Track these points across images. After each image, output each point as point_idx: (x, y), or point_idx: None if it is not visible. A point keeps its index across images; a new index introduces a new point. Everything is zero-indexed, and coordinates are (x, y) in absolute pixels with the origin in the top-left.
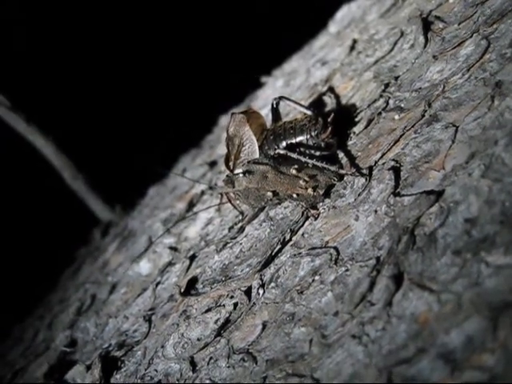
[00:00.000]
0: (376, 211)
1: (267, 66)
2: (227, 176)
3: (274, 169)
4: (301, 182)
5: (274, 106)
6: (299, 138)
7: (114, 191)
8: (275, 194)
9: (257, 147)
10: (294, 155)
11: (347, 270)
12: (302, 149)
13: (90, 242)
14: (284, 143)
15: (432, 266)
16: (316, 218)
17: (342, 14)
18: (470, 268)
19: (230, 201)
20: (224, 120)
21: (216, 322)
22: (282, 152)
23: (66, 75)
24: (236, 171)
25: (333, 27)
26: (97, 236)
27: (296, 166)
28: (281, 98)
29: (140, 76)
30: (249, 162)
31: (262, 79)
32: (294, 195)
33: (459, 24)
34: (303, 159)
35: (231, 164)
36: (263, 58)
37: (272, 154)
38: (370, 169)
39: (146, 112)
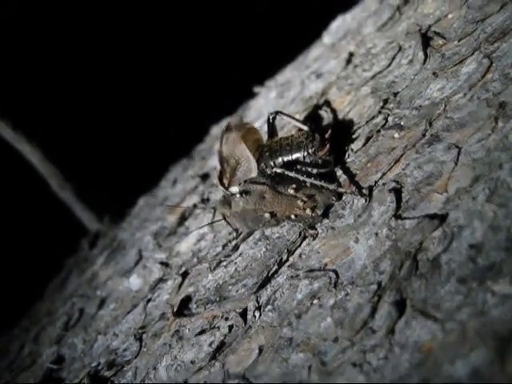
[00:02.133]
0: (377, 234)
1: (260, 75)
2: (223, 196)
3: (271, 189)
4: (299, 202)
5: (271, 120)
6: (296, 155)
7: (102, 201)
8: (273, 215)
9: (255, 165)
10: (292, 174)
11: (347, 295)
12: (298, 166)
13: (78, 253)
14: (280, 160)
15: (436, 294)
16: (314, 239)
17: (337, 25)
18: (475, 297)
19: (224, 218)
20: (216, 130)
21: (210, 345)
22: (279, 171)
23: (55, 82)
24: (231, 189)
25: (327, 38)
26: (85, 246)
27: (294, 186)
28: (277, 112)
29: (130, 82)
30: (245, 182)
31: (255, 89)
32: (292, 216)
33: (459, 41)
34: (301, 178)
35: (226, 182)
36: (256, 68)
37: (269, 172)
38: (370, 189)
39: (135, 120)
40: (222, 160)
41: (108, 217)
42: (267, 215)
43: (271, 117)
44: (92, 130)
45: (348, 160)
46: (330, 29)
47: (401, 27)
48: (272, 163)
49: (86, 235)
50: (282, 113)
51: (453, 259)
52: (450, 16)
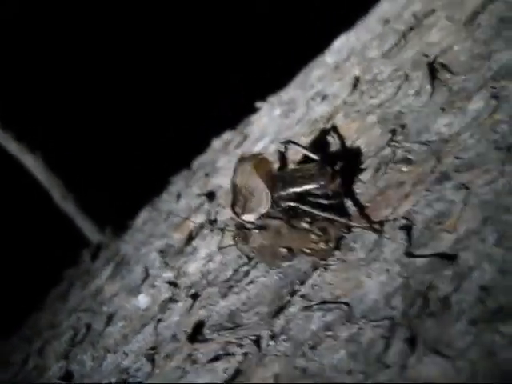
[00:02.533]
0: (388, 270)
1: (260, 91)
2: (239, 229)
3: (287, 223)
4: (313, 236)
5: (282, 150)
6: (307, 187)
7: (104, 212)
8: (289, 249)
9: (269, 198)
10: (306, 208)
11: (360, 329)
12: (309, 198)
13: (79, 264)
14: (292, 192)
15: (447, 332)
16: (326, 270)
17: (340, 44)
18: (484, 337)
19: (236, 244)
20: (217, 143)
21: (225, 371)
22: (292, 204)
23: (57, 93)
24: (244, 217)
25: (330, 57)
26: (86, 258)
27: (307, 219)
28: (289, 142)
29: (130, 92)
30: (262, 216)
31: (257, 105)
32: (307, 250)
33: (465, 75)
34: (315, 211)
35: (239, 210)
36: (255, 82)
37: (282, 205)
38: (381, 224)
39: (136, 128)
40: (234, 188)
41: (110, 228)
42: (284, 250)
43: (283, 147)
44: (94, 142)
45: (357, 191)
46: (332, 47)
47: (406, 55)
48: (285, 195)
49: (87, 247)
50: (293, 142)
51: (463, 299)
52: (455, 48)
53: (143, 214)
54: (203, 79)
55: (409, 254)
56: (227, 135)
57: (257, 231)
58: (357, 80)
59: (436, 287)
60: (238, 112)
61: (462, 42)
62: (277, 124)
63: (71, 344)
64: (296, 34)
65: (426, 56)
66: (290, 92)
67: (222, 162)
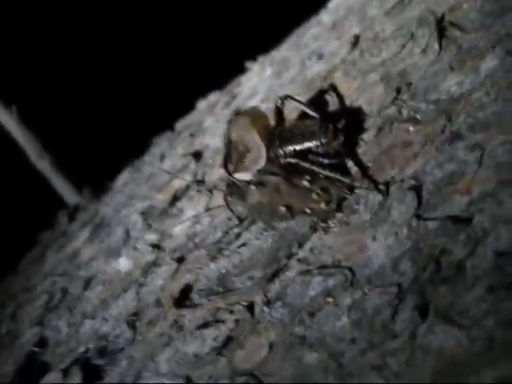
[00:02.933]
0: (396, 233)
1: (251, 51)
2: (234, 186)
3: (286, 180)
4: (313, 195)
5: (279, 105)
6: (308, 145)
7: (82, 173)
8: (289, 208)
9: (265, 154)
10: (307, 165)
11: (365, 295)
12: (310, 156)
13: (55, 227)
14: (291, 149)
15: (460, 299)
16: (326, 233)
17: (337, 2)
18: (502, 305)
19: (227, 204)
20: (203, 105)
21: (215, 339)
22: (293, 161)
23: (34, 45)
24: (238, 176)
25: (326, 17)
26: (63, 220)
27: (308, 178)
28: (286, 97)
29: (113, 53)
30: (260, 172)
31: (247, 65)
32: (307, 210)
33: (476, 33)
34: (316, 169)
35: (231, 167)
36: (247, 42)
37: (282, 162)
38: (387, 185)
39: (117, 87)
40: (229, 144)
41: (88, 190)
42: (283, 208)
43: (279, 101)
44: (72, 97)
45: (359, 151)
46: (328, 6)
47: (411, 13)
48: (283, 152)
49: (64, 208)
50: (291, 97)
51: (478, 265)
52: (465, 6)
53: (124, 176)
54: (189, 37)
55: (418, 217)
56: (214, 96)
57: (254, 187)
58: (356, 39)
59: (449, 251)
60: (226, 73)
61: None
62: (268, 84)
63: (46, 309)
64: None
65: (433, 13)
66: (283, 52)
67: (208, 122)
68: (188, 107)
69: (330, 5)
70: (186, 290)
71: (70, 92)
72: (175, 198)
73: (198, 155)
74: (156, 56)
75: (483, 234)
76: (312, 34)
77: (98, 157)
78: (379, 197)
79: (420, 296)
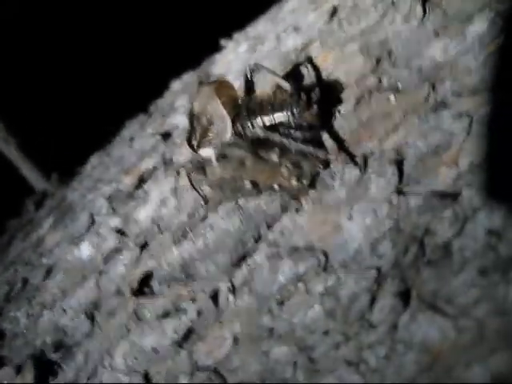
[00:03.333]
0: (375, 212)
1: (227, 28)
2: (196, 161)
3: (252, 154)
4: (283, 170)
5: (248, 75)
6: (278, 116)
7: (50, 157)
8: (254, 184)
9: (229, 125)
10: (276, 137)
11: (339, 280)
12: (281, 129)
13: (22, 214)
14: (260, 121)
15: (447, 285)
16: (297, 212)
17: None
18: (495, 291)
19: (191, 183)
20: (177, 85)
21: (175, 331)
22: (260, 133)
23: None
24: (201, 152)
25: None
26: (30, 207)
27: (277, 151)
28: (256, 65)
29: (83, 30)
30: (222, 145)
31: (222, 42)
32: (275, 186)
33: None
34: (286, 142)
35: (195, 142)
36: (221, 19)
37: (248, 134)
38: (365, 158)
39: (87, 68)
40: (191, 117)
41: (56, 175)
42: (248, 184)
43: (249, 70)
44: (40, 77)
45: (336, 123)
46: None
47: None
48: (250, 124)
49: (31, 195)
50: (261, 66)
51: (467, 245)
52: None
53: (93, 160)
54: (162, 17)
55: (399, 192)
56: (188, 76)
57: (215, 161)
58: (335, 9)
59: (434, 231)
60: (200, 52)
61: None
62: (243, 59)
63: (6, 299)
64: None
65: None
66: (259, 27)
67: (180, 101)
68: (162, 88)
69: None
70: (147, 278)
71: (36, 71)
72: (141, 180)
73: (167, 135)
74: (128, 37)
75: (472, 210)
76: (289, 7)
77: (68, 140)
78: (356, 171)
79: (401, 281)
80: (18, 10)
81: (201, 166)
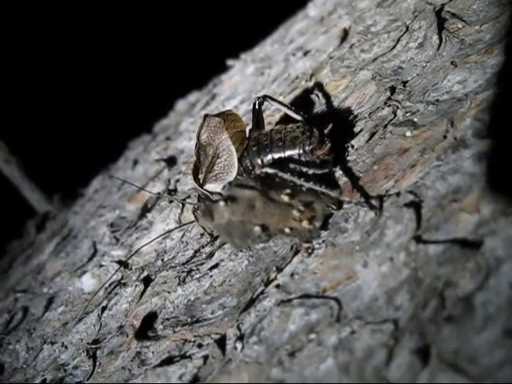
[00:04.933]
0: (392, 259)
1: (234, 47)
2: (203, 200)
3: (262, 195)
4: (294, 212)
5: (257, 107)
6: (289, 153)
7: (52, 178)
8: (264, 228)
9: (236, 160)
10: (287, 176)
11: (353, 332)
12: (292, 166)
13: (23, 236)
14: (270, 157)
15: (469, 344)
16: (309, 255)
17: None
18: None
19: (196, 219)
20: (181, 105)
21: (180, 378)
22: (270, 171)
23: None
24: (208, 187)
25: (313, 11)
26: (31, 229)
27: (288, 191)
28: (265, 97)
29: (88, 51)
30: (230, 185)
31: (228, 62)
32: (287, 229)
33: (481, 25)
34: (298, 181)
35: (201, 177)
36: (229, 38)
37: (257, 172)
38: (381, 200)
39: (92, 87)
40: (198, 148)
41: (58, 197)
42: (257, 228)
43: (257, 102)
44: (43, 97)
45: (349, 159)
46: (315, 1)
47: (406, 4)
48: (260, 161)
49: (32, 217)
50: (271, 98)
51: (490, 300)
52: None
53: (96, 183)
54: (169, 35)
55: (418, 239)
56: (193, 96)
57: (223, 204)
58: (345, 33)
59: (455, 283)
60: (205, 71)
61: None
62: (250, 82)
63: (5, 329)
64: None
65: (430, 4)
66: (267, 48)
67: (185, 124)
68: (166, 108)
69: None
70: (151, 318)
71: (40, 91)
72: (145, 209)
73: (172, 161)
74: (134, 56)
75: (496, 262)
76: (298, 28)
77: (71, 161)
78: (371, 214)
79: (420, 337)
80: (31, 30)
81: (206, 205)
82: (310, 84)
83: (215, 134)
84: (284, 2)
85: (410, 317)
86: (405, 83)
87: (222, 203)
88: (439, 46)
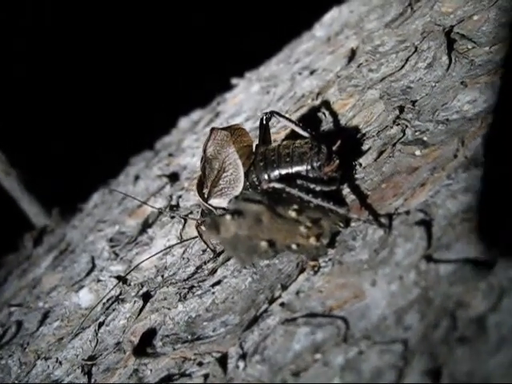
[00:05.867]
0: (401, 278)
1: (238, 67)
2: (208, 214)
3: (269, 210)
4: (302, 228)
5: (264, 122)
6: (297, 169)
7: (52, 192)
8: (271, 244)
9: (242, 175)
10: (295, 191)
11: (361, 353)
12: (299, 182)
13: (20, 249)
14: (277, 173)
15: (482, 366)
16: (315, 273)
17: (331, 16)
18: None
19: (199, 234)
20: (184, 123)
21: None
22: (278, 186)
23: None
24: (212, 202)
25: (320, 31)
26: (28, 243)
27: (295, 207)
28: (272, 113)
29: (90, 67)
30: (237, 198)
31: (233, 81)
32: (293, 246)
33: (491, 47)
34: (305, 197)
35: (206, 192)
36: (233, 57)
37: (265, 187)
38: (390, 218)
39: (94, 102)
40: (204, 162)
41: (57, 211)
42: (264, 244)
43: (265, 117)
44: (45, 111)
45: (357, 176)
46: (322, 20)
47: (414, 25)
48: (267, 176)
49: (30, 230)
50: (278, 114)
51: (504, 322)
52: (475, 17)
53: (95, 197)
54: (173, 51)
55: (428, 258)
56: (196, 114)
57: (230, 217)
58: (353, 52)
59: (467, 304)
60: (209, 89)
61: (483, 10)
62: (255, 100)
63: None
64: (281, 6)
65: (439, 26)
66: (272, 67)
67: (188, 141)
68: (169, 125)
69: (325, 18)
70: (150, 335)
71: (43, 105)
72: (146, 224)
73: (174, 177)
74: (138, 72)
75: (509, 282)
76: (304, 48)
77: (71, 175)
78: (380, 232)
79: (431, 358)
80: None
81: (212, 219)
82: (317, 102)
83: (222, 147)
84: (289, 23)
85: (421, 337)
86: (414, 102)
87: (228, 216)
88: (449, 66)
